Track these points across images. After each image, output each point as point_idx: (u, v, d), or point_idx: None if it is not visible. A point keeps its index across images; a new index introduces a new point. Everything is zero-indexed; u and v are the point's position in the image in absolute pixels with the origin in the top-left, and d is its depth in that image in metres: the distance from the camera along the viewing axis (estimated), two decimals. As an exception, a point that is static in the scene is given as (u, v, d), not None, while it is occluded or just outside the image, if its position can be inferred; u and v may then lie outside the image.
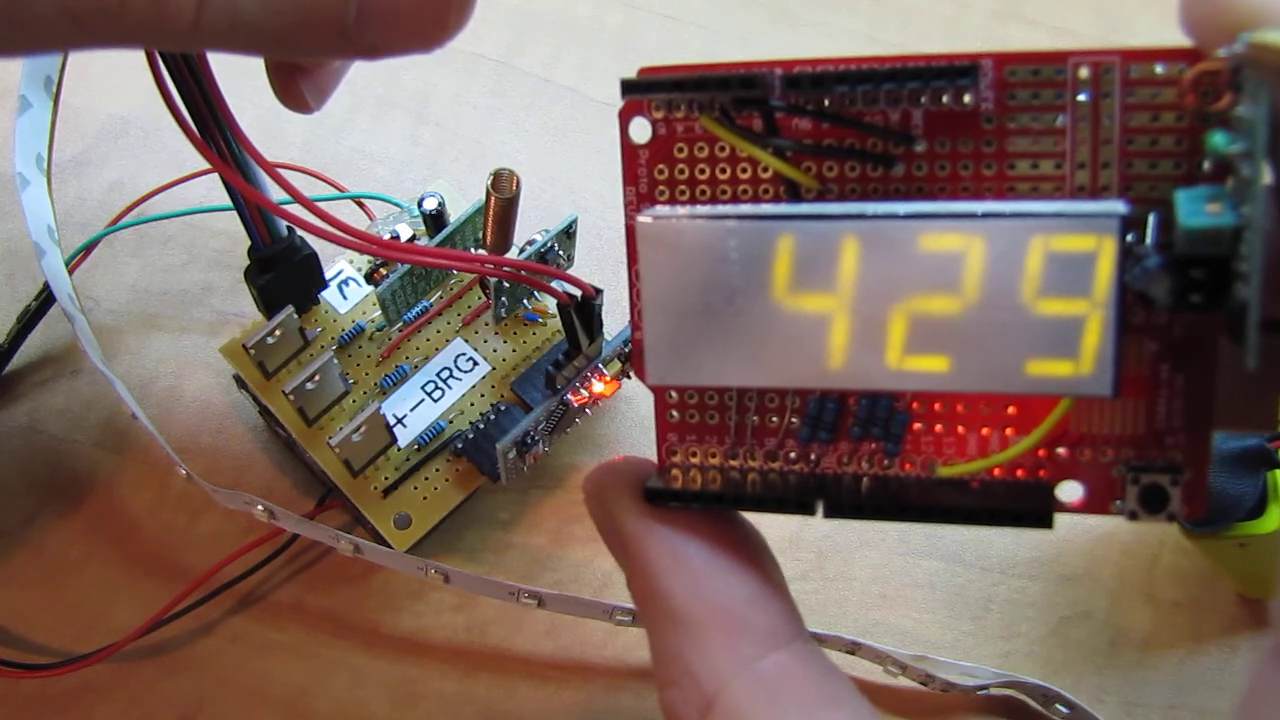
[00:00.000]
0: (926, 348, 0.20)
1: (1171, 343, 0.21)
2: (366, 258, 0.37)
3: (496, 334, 0.37)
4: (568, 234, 0.35)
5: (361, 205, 0.40)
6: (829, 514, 0.22)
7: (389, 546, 0.34)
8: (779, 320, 0.21)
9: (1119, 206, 0.19)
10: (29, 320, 0.38)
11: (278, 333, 0.34)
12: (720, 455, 0.23)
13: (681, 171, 0.23)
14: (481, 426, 0.35)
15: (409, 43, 0.21)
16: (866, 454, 0.23)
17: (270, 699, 0.35)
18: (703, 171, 0.22)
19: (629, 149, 0.23)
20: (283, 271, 0.34)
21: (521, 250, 0.35)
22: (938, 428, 0.22)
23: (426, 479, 0.36)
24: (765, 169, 0.22)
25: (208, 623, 0.36)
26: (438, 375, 0.36)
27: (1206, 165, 0.20)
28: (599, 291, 0.31)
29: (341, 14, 0.20)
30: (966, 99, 0.21)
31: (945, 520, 0.21)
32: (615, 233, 0.42)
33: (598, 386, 0.35)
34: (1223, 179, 0.19)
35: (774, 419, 0.23)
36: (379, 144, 0.42)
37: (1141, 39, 0.46)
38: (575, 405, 0.35)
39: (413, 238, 0.37)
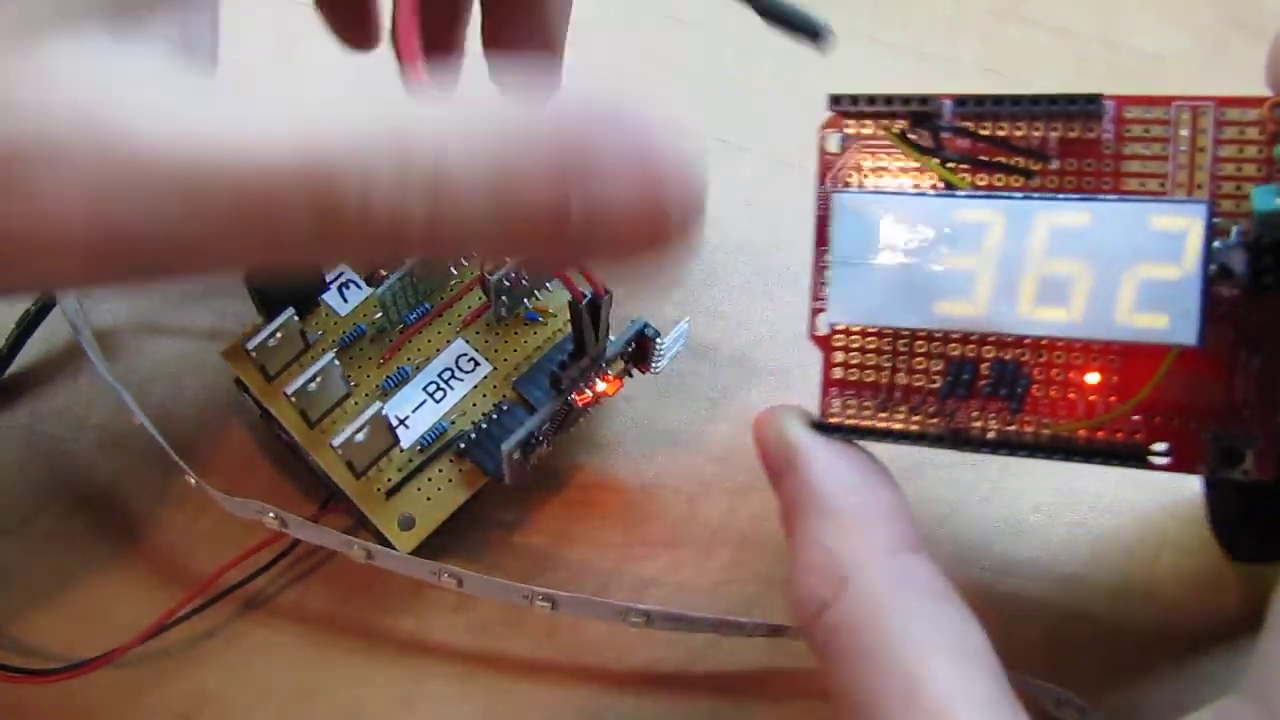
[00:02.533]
0: (1051, 301, 0.25)
1: (1249, 329, 0.25)
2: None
3: (497, 334, 0.37)
4: None
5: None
6: (963, 449, 0.27)
7: (393, 548, 0.34)
8: (938, 275, 0.26)
9: (1204, 201, 0.25)
10: (29, 323, 0.38)
11: (279, 335, 0.34)
12: (873, 408, 0.28)
13: (861, 169, 0.29)
14: (484, 426, 0.35)
15: (627, 255, 0.21)
16: (994, 410, 0.27)
17: (270, 699, 0.35)
18: (880, 173, 0.29)
19: (824, 154, 0.30)
20: (281, 274, 0.34)
21: None
22: (1053, 392, 0.27)
23: (430, 480, 0.36)
24: (923, 171, 0.28)
25: (209, 625, 0.36)
26: (439, 376, 0.36)
27: None
28: (609, 292, 0.31)
29: (563, 222, 0.20)
30: (1092, 132, 0.26)
31: (1058, 455, 0.26)
32: (615, 233, 0.42)
33: (600, 386, 0.35)
34: None
35: (920, 380, 0.28)
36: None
37: (1141, 39, 0.46)
38: (579, 405, 0.35)
39: None
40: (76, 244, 0.19)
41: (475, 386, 0.36)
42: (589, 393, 0.35)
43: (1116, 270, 0.24)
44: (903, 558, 0.24)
